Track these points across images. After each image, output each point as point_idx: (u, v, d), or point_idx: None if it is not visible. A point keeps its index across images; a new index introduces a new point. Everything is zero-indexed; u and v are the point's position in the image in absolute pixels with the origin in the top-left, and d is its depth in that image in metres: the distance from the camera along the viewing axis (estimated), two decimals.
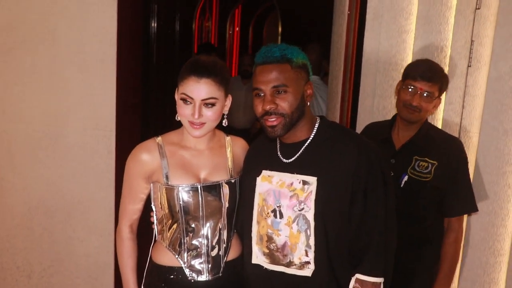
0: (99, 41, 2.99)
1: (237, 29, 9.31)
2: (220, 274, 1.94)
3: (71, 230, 3.16)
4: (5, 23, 3.03)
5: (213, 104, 1.83)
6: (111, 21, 2.98)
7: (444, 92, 2.37)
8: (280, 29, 7.95)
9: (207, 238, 1.91)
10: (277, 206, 1.81)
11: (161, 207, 1.93)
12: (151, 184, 1.93)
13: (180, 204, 1.87)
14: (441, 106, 2.63)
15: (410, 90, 2.22)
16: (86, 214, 3.14)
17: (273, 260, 1.83)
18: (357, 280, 1.74)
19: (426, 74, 2.20)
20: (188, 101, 1.82)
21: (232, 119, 4.43)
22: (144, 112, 3.61)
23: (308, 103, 1.82)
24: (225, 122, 1.92)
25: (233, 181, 1.95)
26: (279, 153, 1.86)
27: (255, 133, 5.16)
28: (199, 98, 1.80)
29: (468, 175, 2.31)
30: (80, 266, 3.18)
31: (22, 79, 3.05)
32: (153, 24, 3.87)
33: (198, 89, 1.80)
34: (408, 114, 2.23)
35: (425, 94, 2.20)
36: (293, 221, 1.78)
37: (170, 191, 1.87)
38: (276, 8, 8.07)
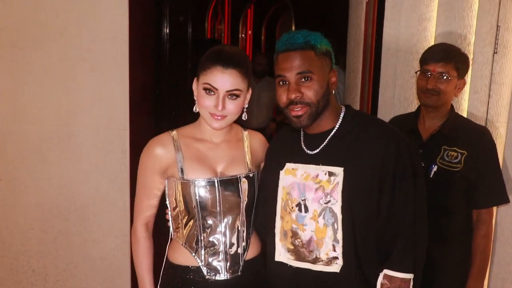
0: (111, 38, 2.93)
1: (250, 32, 9.28)
2: (239, 273, 1.86)
3: (86, 232, 3.10)
4: (16, 22, 2.98)
5: (237, 96, 1.76)
6: (123, 17, 2.92)
7: (467, 74, 2.29)
8: (293, 28, 7.88)
9: (225, 235, 1.84)
10: (302, 200, 1.73)
11: (176, 204, 1.85)
12: (166, 180, 1.86)
13: (197, 200, 1.80)
14: (466, 95, 2.53)
15: (424, 74, 2.19)
16: (101, 215, 3.08)
17: (298, 256, 1.74)
18: (385, 276, 1.65)
19: (437, 55, 2.17)
20: (212, 92, 1.75)
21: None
22: (157, 111, 3.55)
23: (333, 91, 1.75)
24: (244, 116, 1.85)
25: (251, 175, 1.88)
26: (303, 144, 1.79)
27: (270, 134, 5.09)
28: (223, 89, 1.74)
29: (499, 165, 2.22)
30: (95, 269, 3.12)
31: (33, 79, 3.00)
32: (165, 24, 3.83)
33: (223, 79, 1.73)
34: (426, 98, 2.19)
35: (440, 76, 2.15)
36: (319, 215, 1.69)
37: (185, 185, 1.80)
38: (289, 7, 8.00)
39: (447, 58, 2.15)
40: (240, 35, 9.06)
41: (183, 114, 4.12)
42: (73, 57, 2.97)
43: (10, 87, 3.03)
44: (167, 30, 3.83)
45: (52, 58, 2.98)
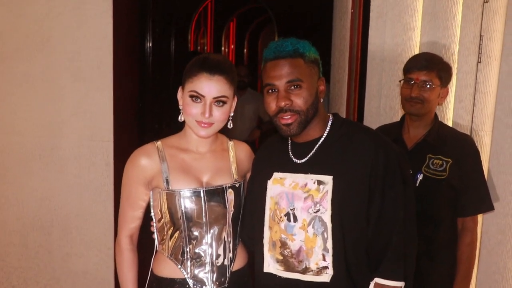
0: (95, 48, 2.90)
1: (232, 46, 9.32)
2: (226, 285, 1.83)
3: (69, 247, 3.03)
4: None
5: (224, 103, 1.75)
6: (107, 27, 2.89)
7: (450, 83, 2.31)
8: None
9: (211, 246, 1.81)
10: (291, 209, 1.70)
11: (161, 215, 1.82)
12: (151, 191, 1.83)
13: (182, 210, 1.77)
14: (451, 104, 2.54)
15: (408, 83, 2.20)
16: (84, 229, 3.02)
17: (288, 267, 1.71)
18: (376, 284, 1.63)
19: (420, 64, 2.19)
20: (199, 99, 1.73)
21: (228, 130, 4.37)
22: (141, 123, 3.51)
23: (321, 100, 1.74)
24: (230, 124, 1.83)
25: (237, 185, 1.85)
26: (291, 153, 1.77)
27: (253, 141, 5.07)
28: (210, 95, 1.72)
29: (483, 173, 2.22)
30: (78, 284, 3.05)
31: (15, 89, 2.96)
32: (148, 37, 3.82)
33: (209, 86, 1.72)
34: (410, 107, 2.20)
35: (423, 84, 2.16)
36: (309, 224, 1.67)
37: (171, 196, 1.77)
38: (272, 20, 8.04)
39: (430, 66, 2.17)
40: (223, 49, 9.09)
41: (166, 126, 4.10)
42: (57, 68, 2.93)
43: None
44: (150, 44, 3.82)
45: (36, 68, 2.94)
